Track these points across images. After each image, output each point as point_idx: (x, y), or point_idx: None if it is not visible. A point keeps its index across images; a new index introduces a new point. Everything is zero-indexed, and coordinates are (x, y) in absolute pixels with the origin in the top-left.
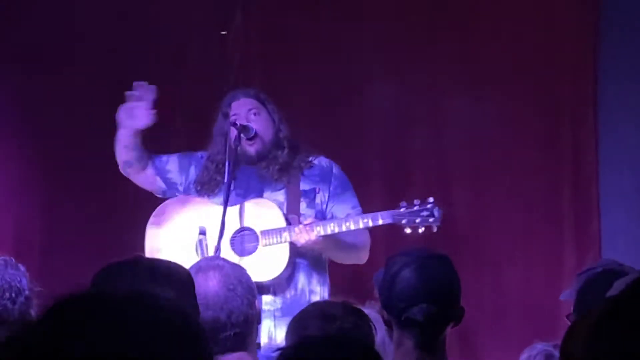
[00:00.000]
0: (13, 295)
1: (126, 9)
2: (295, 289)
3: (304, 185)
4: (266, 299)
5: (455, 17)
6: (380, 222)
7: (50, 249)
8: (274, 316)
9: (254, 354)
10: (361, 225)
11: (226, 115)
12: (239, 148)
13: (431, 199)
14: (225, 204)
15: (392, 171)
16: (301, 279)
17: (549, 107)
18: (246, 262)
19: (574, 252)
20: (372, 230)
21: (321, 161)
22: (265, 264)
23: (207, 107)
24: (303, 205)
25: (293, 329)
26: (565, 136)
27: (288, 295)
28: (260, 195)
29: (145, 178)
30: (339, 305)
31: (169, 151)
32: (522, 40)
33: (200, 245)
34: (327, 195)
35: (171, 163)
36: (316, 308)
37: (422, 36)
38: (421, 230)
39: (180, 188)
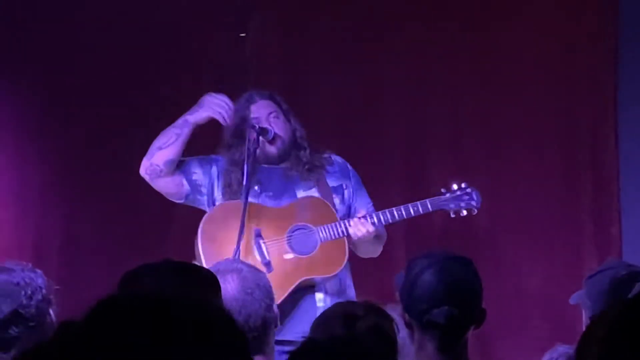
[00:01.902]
0: (29, 292)
1: (146, 11)
2: (339, 283)
3: (331, 182)
4: (318, 295)
5: (477, 22)
6: (430, 208)
7: (70, 254)
8: None
9: (271, 357)
10: (412, 214)
11: (244, 119)
12: (257, 150)
13: (464, 184)
14: (245, 206)
15: (411, 173)
16: (342, 273)
17: (569, 108)
18: (308, 260)
19: (595, 254)
20: (393, 232)
21: (336, 158)
22: (327, 259)
23: None
24: (337, 201)
25: (315, 330)
26: (585, 137)
27: (335, 290)
28: (293, 195)
29: (172, 181)
30: (361, 305)
31: (185, 154)
32: (541, 42)
33: (259, 247)
34: (351, 190)
35: (195, 166)
36: (338, 308)
37: (443, 38)
38: (464, 213)
39: (204, 190)
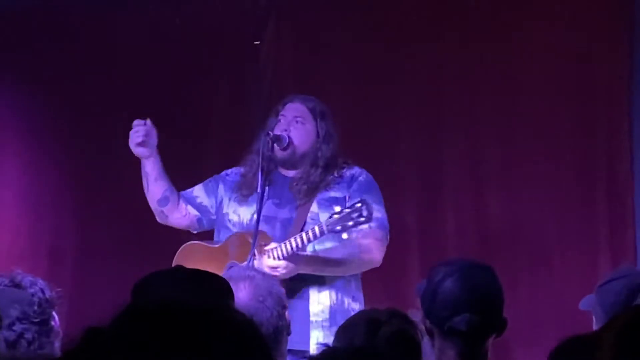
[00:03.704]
0: (31, 291)
1: (159, 18)
2: (336, 297)
3: (335, 193)
4: (313, 309)
5: (491, 33)
6: (318, 234)
7: (85, 258)
8: (322, 326)
9: None
10: (300, 243)
11: (277, 113)
12: (270, 155)
13: (358, 199)
14: (259, 212)
15: (426, 181)
16: (339, 286)
17: (583, 115)
18: None
19: (609, 262)
20: (407, 239)
21: (351, 170)
22: None
23: (241, 118)
24: (337, 209)
25: (340, 337)
26: (600, 145)
27: (331, 304)
28: (294, 207)
29: (180, 212)
30: (384, 311)
31: (202, 161)
32: (556, 49)
33: None
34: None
35: (197, 190)
36: (362, 315)
37: (455, 47)
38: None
39: (212, 210)
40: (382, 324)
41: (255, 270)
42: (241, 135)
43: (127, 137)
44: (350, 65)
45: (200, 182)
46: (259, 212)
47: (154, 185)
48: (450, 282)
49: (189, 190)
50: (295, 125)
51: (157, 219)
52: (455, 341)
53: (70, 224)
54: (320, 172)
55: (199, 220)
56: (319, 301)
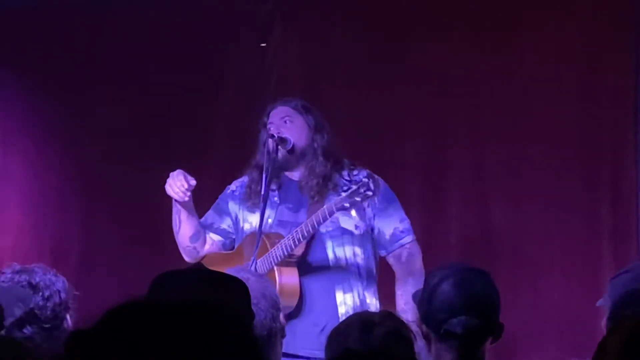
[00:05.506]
0: (47, 294)
1: (166, 21)
2: (362, 303)
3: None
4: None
5: (496, 43)
6: (328, 216)
7: (88, 259)
8: None
9: None
10: (316, 225)
11: (264, 125)
12: (276, 157)
13: (361, 173)
14: (262, 214)
15: (429, 184)
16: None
17: (589, 121)
18: None
19: (613, 266)
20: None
21: (363, 173)
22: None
23: (247, 120)
24: (354, 215)
25: (333, 339)
26: (605, 149)
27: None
28: (307, 210)
29: (207, 243)
30: (378, 313)
31: (207, 164)
32: (562, 52)
33: None
34: (372, 211)
35: (211, 217)
36: (355, 317)
37: (459, 47)
38: (365, 205)
39: (231, 229)
40: (376, 325)
41: (249, 272)
42: (246, 139)
43: (129, 136)
44: (355, 66)
45: (204, 188)
46: (262, 212)
47: (187, 221)
48: (447, 285)
49: (202, 220)
50: (285, 125)
51: (187, 257)
52: (451, 344)
53: (74, 224)
54: (323, 161)
55: (223, 244)
56: (345, 302)
